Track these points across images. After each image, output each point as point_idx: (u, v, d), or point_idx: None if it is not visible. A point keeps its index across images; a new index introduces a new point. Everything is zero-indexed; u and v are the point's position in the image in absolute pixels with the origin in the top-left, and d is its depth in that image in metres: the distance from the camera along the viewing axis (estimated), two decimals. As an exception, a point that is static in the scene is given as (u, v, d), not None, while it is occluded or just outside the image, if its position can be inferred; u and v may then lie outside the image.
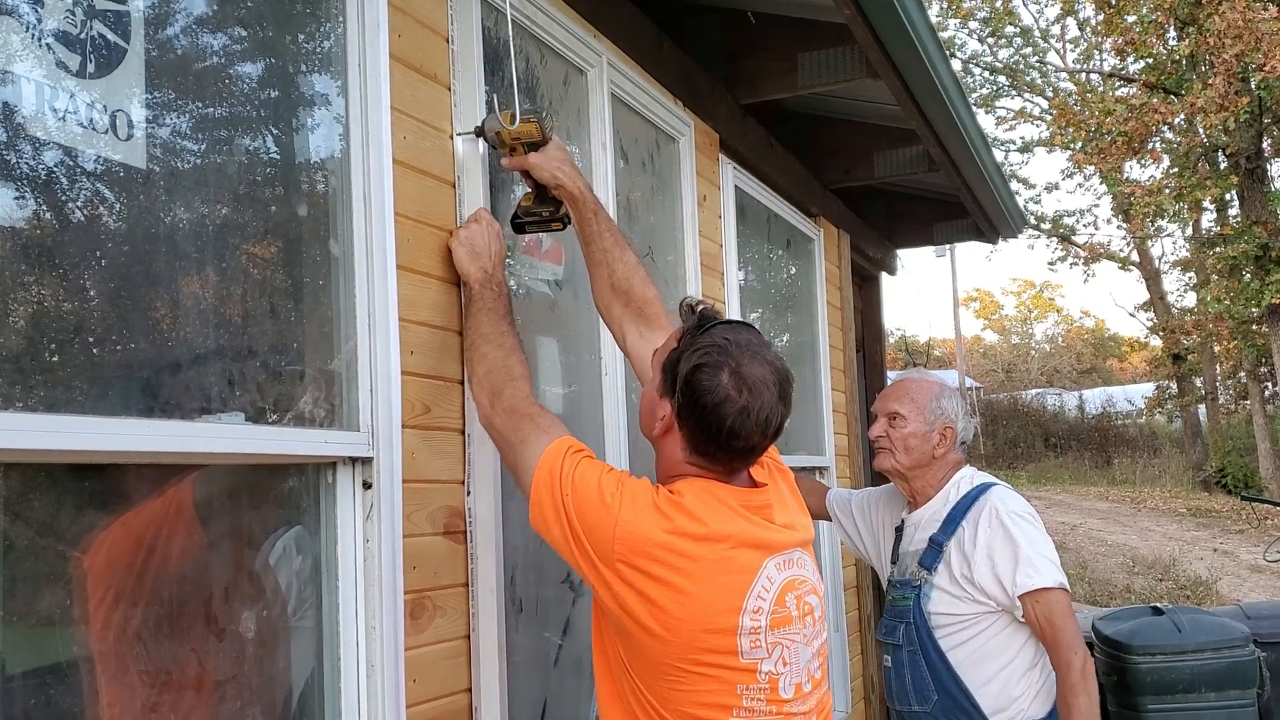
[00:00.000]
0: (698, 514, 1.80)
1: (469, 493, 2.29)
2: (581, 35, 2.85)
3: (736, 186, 4.12)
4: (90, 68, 1.52)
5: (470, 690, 2.24)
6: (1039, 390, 34.68)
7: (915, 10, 3.50)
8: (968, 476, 2.98)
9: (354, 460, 1.98)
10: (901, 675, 2.91)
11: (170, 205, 1.75)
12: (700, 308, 1.95)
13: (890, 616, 2.98)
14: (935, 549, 2.88)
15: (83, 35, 1.51)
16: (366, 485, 2.00)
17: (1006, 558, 2.75)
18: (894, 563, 3.07)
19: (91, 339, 1.57)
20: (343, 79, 2.04)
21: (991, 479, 2.99)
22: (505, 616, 2.33)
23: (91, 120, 1.52)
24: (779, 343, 5.09)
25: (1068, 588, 2.77)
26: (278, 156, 1.99)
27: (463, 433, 2.29)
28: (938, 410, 2.98)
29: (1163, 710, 4.94)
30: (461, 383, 2.29)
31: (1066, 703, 2.68)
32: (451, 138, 2.32)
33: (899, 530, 3.08)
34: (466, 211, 2.32)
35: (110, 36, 1.56)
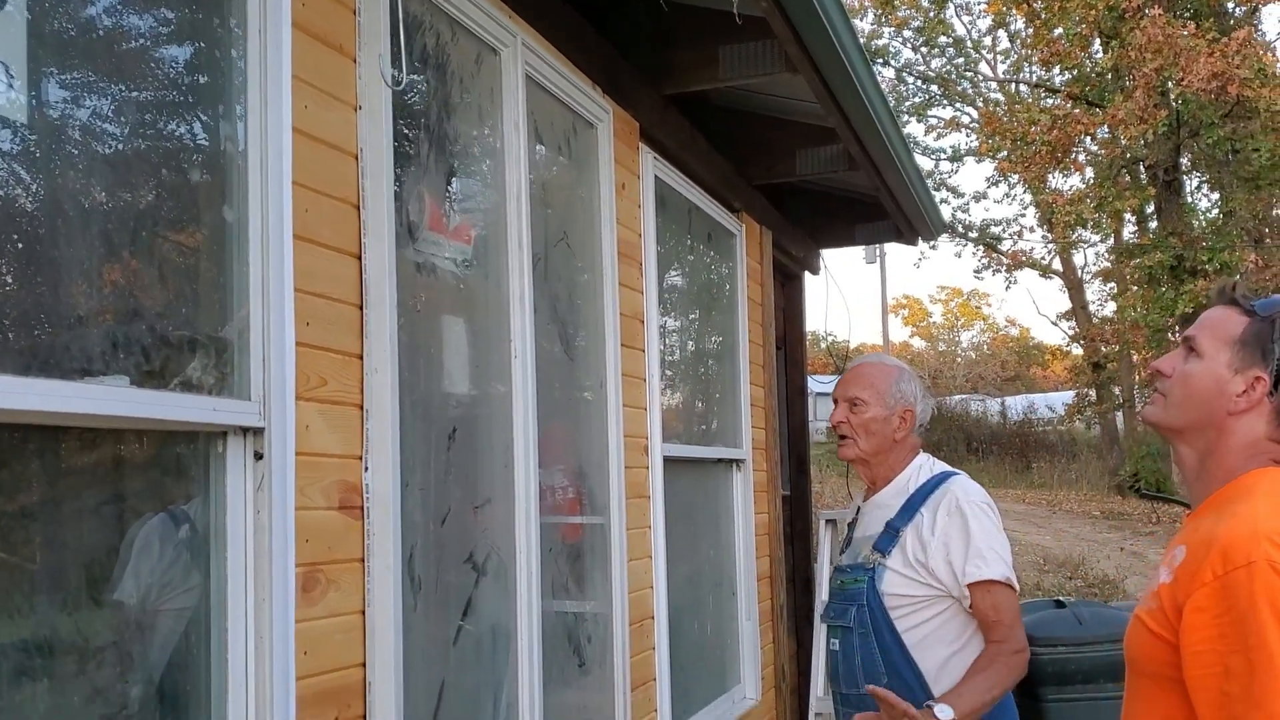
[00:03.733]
0: None
1: (366, 469, 2.27)
2: (495, 15, 2.84)
3: (657, 176, 4.14)
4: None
5: (364, 665, 2.23)
6: (963, 396, 35.23)
7: (832, 6, 3.54)
8: (927, 464, 2.98)
9: (245, 430, 1.96)
10: (851, 658, 2.90)
11: (55, 163, 1.72)
12: (1239, 287, 1.89)
13: (840, 600, 2.96)
14: (891, 533, 2.88)
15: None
16: (258, 456, 1.98)
17: (959, 545, 2.76)
18: (845, 550, 3.09)
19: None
20: (242, 44, 2.01)
21: (952, 469, 3.00)
22: (403, 594, 2.31)
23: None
24: (698, 336, 5.12)
25: (1015, 585, 2.76)
26: (171, 118, 1.96)
27: (361, 408, 2.27)
28: (898, 394, 2.99)
29: (1063, 700, 5.07)
30: (360, 357, 2.27)
31: (988, 658, 2.67)
32: (355, 109, 2.30)
33: (855, 517, 3.10)
34: (369, 184, 2.31)
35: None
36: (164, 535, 1.93)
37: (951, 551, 2.77)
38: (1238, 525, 1.68)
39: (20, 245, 1.65)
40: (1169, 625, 1.70)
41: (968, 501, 2.81)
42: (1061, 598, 5.73)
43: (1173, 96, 17.31)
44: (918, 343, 48.81)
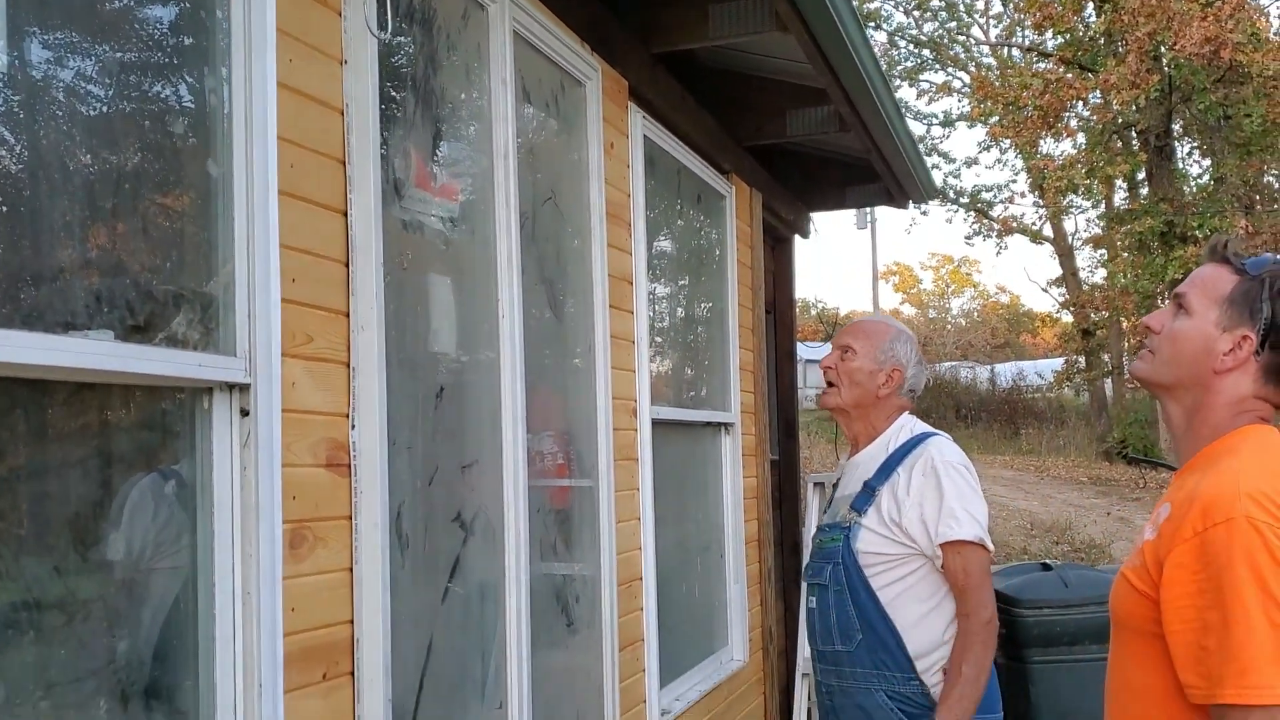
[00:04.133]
0: None
1: (353, 426, 2.27)
2: (483, -30, 2.81)
3: (646, 136, 4.11)
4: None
5: (352, 622, 2.23)
6: (953, 363, 35.31)
7: (823, -37, 3.51)
8: (909, 425, 2.99)
9: (231, 386, 1.95)
10: (827, 615, 2.93)
11: (39, 120, 1.70)
12: (1230, 245, 1.90)
13: (818, 558, 3.00)
14: (868, 493, 2.90)
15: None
16: (244, 412, 1.97)
17: (933, 505, 2.78)
18: (827, 509, 3.11)
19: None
20: (225, -3, 1.98)
21: (933, 430, 3.01)
22: (390, 552, 2.31)
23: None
24: (687, 299, 5.11)
25: (988, 546, 2.79)
26: (154, 73, 1.94)
27: (348, 366, 2.26)
28: (889, 351, 3.00)
29: (1047, 662, 5.11)
30: (347, 314, 2.26)
31: (964, 647, 2.72)
32: (341, 64, 2.28)
33: (839, 479, 3.12)
34: (355, 140, 2.29)
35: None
36: (156, 495, 1.92)
37: (925, 511, 2.79)
38: (1220, 482, 1.70)
39: (3, 201, 1.64)
40: (1151, 581, 1.71)
41: (942, 462, 2.82)
42: (1048, 560, 5.78)
43: (1165, 61, 17.25)
44: (908, 309, 48.87)
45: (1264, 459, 1.73)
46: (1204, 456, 1.83)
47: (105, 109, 1.84)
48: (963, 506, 2.77)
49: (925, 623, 2.81)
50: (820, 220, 7.24)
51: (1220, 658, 1.59)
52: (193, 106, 2.02)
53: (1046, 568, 5.43)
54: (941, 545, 2.76)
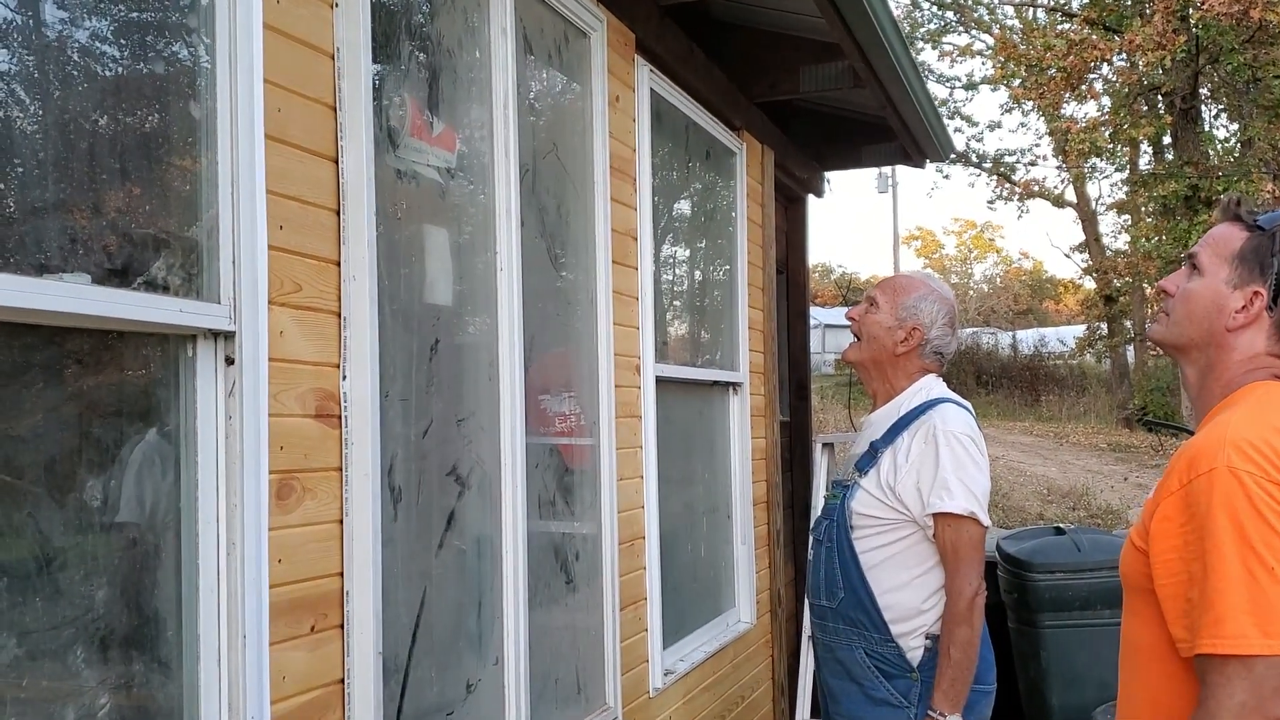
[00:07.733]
0: None
1: (344, 377, 2.24)
2: (481, -86, 2.75)
3: (653, 90, 4.04)
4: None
5: (342, 574, 2.21)
6: (975, 329, 35.13)
7: (834, -89, 3.43)
8: (928, 388, 2.93)
9: (215, 334, 1.92)
10: (818, 569, 2.95)
11: (16, 57, 1.66)
12: (1243, 203, 1.88)
13: (822, 514, 3.01)
14: (872, 454, 2.88)
15: None
16: (229, 361, 1.94)
17: (929, 474, 2.74)
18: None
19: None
20: (208, -66, 1.94)
21: (948, 395, 2.94)
22: (382, 505, 2.29)
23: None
24: (695, 257, 5.06)
25: (981, 519, 2.74)
26: (136, 11, 1.90)
27: (338, 315, 2.22)
28: (912, 309, 2.92)
29: (1059, 627, 5.08)
30: (337, 263, 2.22)
31: (949, 630, 2.71)
32: (332, 7, 2.23)
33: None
34: (347, 86, 2.24)
35: None
36: (153, 454, 1.89)
37: (921, 479, 2.75)
38: (1210, 434, 1.67)
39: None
40: (1146, 536, 1.69)
41: (944, 431, 2.77)
42: (1061, 524, 5.73)
43: (1192, 21, 16.93)
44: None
45: (1259, 411, 1.70)
46: (1212, 415, 1.80)
47: (85, 49, 1.80)
48: (958, 478, 2.72)
49: (906, 590, 2.79)
50: (841, 184, 7.13)
51: (1200, 608, 1.56)
52: (175, 47, 1.97)
53: (1060, 531, 5.39)
54: (932, 515, 2.73)
